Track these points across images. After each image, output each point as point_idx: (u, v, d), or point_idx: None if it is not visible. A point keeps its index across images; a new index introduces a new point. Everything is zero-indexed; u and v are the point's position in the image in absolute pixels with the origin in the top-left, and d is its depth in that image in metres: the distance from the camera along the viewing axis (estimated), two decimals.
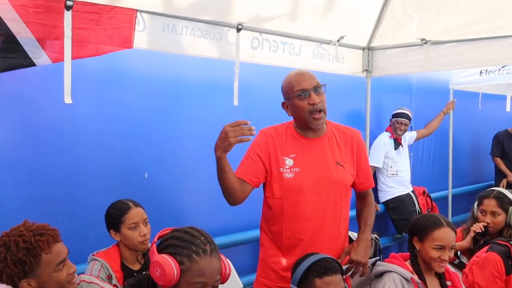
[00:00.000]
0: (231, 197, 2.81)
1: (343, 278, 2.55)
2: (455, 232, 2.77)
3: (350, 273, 2.82)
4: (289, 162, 2.82)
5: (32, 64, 2.83)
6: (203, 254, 1.74)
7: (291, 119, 2.96)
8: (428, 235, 2.74)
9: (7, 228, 2.06)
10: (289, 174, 2.80)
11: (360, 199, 3.14)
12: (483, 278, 3.03)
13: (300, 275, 2.44)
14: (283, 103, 2.87)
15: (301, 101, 2.75)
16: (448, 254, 2.70)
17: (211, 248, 1.78)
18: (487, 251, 3.14)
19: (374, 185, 3.12)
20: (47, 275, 1.97)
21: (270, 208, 2.86)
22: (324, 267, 2.42)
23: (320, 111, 2.75)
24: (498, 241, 3.21)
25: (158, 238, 1.83)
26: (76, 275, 2.20)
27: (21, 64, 2.79)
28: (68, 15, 2.62)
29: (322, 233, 2.87)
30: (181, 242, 1.75)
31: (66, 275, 2.03)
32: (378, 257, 4.03)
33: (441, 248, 2.70)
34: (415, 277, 2.68)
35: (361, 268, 2.84)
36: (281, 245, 2.85)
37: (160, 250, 1.76)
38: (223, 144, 2.54)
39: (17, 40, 2.67)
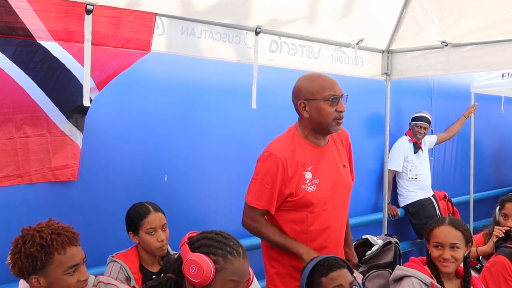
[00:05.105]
0: None
1: (353, 275, 2.54)
2: (464, 232, 2.69)
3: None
4: (308, 175, 2.78)
5: None
6: (237, 255, 1.79)
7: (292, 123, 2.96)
8: (429, 235, 2.73)
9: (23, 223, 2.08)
10: (311, 187, 2.77)
11: None
12: (493, 282, 3.00)
13: (306, 278, 2.44)
14: (300, 103, 2.78)
15: (329, 107, 2.71)
16: (451, 254, 2.63)
17: (243, 251, 1.83)
18: (495, 255, 3.13)
19: (355, 179, 3.12)
20: (57, 276, 1.95)
21: (292, 222, 2.83)
22: (328, 265, 2.41)
23: (342, 118, 2.77)
24: (508, 244, 3.20)
25: (188, 239, 1.86)
26: (93, 276, 2.21)
27: None
28: (88, 19, 2.65)
29: (342, 238, 2.95)
30: (215, 243, 1.80)
31: (76, 281, 1.99)
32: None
33: (439, 246, 2.66)
34: (435, 282, 2.65)
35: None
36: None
37: (192, 250, 1.78)
38: None
39: (38, 44, 2.73)
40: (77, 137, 3.33)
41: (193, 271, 1.74)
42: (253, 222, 2.83)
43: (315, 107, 2.74)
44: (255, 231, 2.85)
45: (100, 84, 3.18)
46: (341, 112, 2.73)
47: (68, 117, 3.26)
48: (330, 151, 2.90)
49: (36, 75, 2.97)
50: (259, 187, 2.76)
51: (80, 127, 3.32)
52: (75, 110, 3.27)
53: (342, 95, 2.75)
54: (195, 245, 1.81)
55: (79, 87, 2.86)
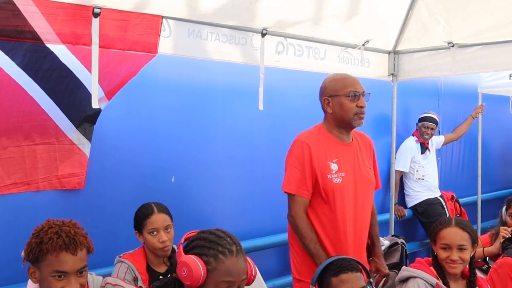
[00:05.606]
0: None
1: (370, 279, 2.55)
2: (471, 233, 2.69)
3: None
4: (334, 167, 2.93)
5: None
6: (229, 254, 1.77)
7: (316, 122, 3.06)
8: (436, 236, 2.72)
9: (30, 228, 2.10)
10: (337, 179, 2.92)
11: None
12: (501, 284, 3.00)
13: (317, 275, 2.45)
14: (324, 99, 2.98)
15: (350, 102, 2.92)
16: (459, 255, 2.63)
17: (237, 248, 1.81)
18: (502, 256, 3.13)
19: (381, 187, 3.26)
20: (45, 275, 1.95)
21: (319, 215, 2.94)
22: (340, 266, 2.42)
23: (363, 114, 2.96)
24: None
25: (185, 240, 1.86)
26: (101, 277, 2.23)
27: None
28: (95, 22, 2.67)
29: (364, 238, 3.07)
30: (207, 243, 1.79)
31: None
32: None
33: (447, 247, 2.65)
34: (440, 283, 2.65)
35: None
36: (326, 249, 2.93)
37: (186, 251, 1.79)
38: None
39: (47, 49, 2.76)
40: (85, 146, 3.34)
41: (184, 273, 1.74)
42: (297, 219, 2.93)
43: (338, 102, 2.94)
44: (296, 228, 2.94)
45: (109, 94, 3.20)
46: (362, 107, 2.92)
47: (77, 126, 3.28)
48: (355, 149, 3.05)
49: (45, 84, 2.98)
50: (290, 173, 2.95)
51: (88, 136, 3.34)
52: (84, 119, 3.29)
53: (364, 92, 2.95)
54: (189, 246, 1.81)
55: (88, 96, 2.85)
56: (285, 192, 2.97)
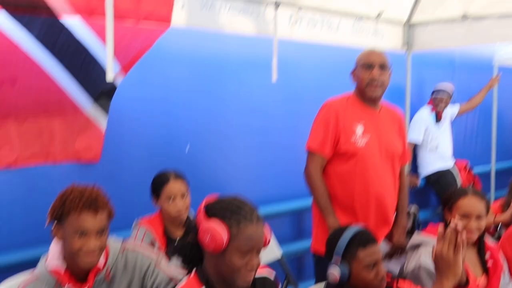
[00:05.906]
0: None
1: None
2: (486, 202, 2.72)
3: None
4: (359, 129, 3.06)
5: None
6: (250, 221, 1.79)
7: (330, 93, 3.22)
8: (454, 204, 2.72)
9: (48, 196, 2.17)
10: (361, 140, 3.05)
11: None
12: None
13: (344, 247, 2.41)
14: (352, 71, 3.20)
15: (363, 73, 3.07)
16: (477, 224, 2.65)
17: (257, 216, 1.83)
18: None
19: (409, 160, 3.31)
20: (68, 233, 2.02)
21: (340, 174, 3.07)
22: (366, 238, 2.43)
23: (376, 84, 3.04)
24: None
25: (205, 204, 1.88)
26: (120, 242, 2.29)
27: None
28: None
29: (388, 197, 3.15)
30: (229, 209, 1.80)
31: (79, 248, 2.01)
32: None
33: (466, 216, 2.67)
34: None
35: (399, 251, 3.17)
36: (349, 210, 3.07)
37: (208, 217, 1.81)
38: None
39: (61, 24, 2.82)
40: (101, 121, 3.39)
41: (207, 238, 1.76)
42: (313, 176, 3.09)
43: (356, 73, 3.16)
44: (310, 183, 3.11)
45: (125, 68, 3.23)
46: (373, 79, 3.03)
47: (94, 101, 3.32)
48: (383, 117, 3.17)
49: (62, 59, 3.02)
50: (314, 132, 3.13)
51: (105, 111, 3.38)
52: (101, 95, 3.33)
53: (380, 64, 3.05)
54: (210, 212, 1.81)
55: (104, 72, 2.87)
56: (307, 149, 3.13)
